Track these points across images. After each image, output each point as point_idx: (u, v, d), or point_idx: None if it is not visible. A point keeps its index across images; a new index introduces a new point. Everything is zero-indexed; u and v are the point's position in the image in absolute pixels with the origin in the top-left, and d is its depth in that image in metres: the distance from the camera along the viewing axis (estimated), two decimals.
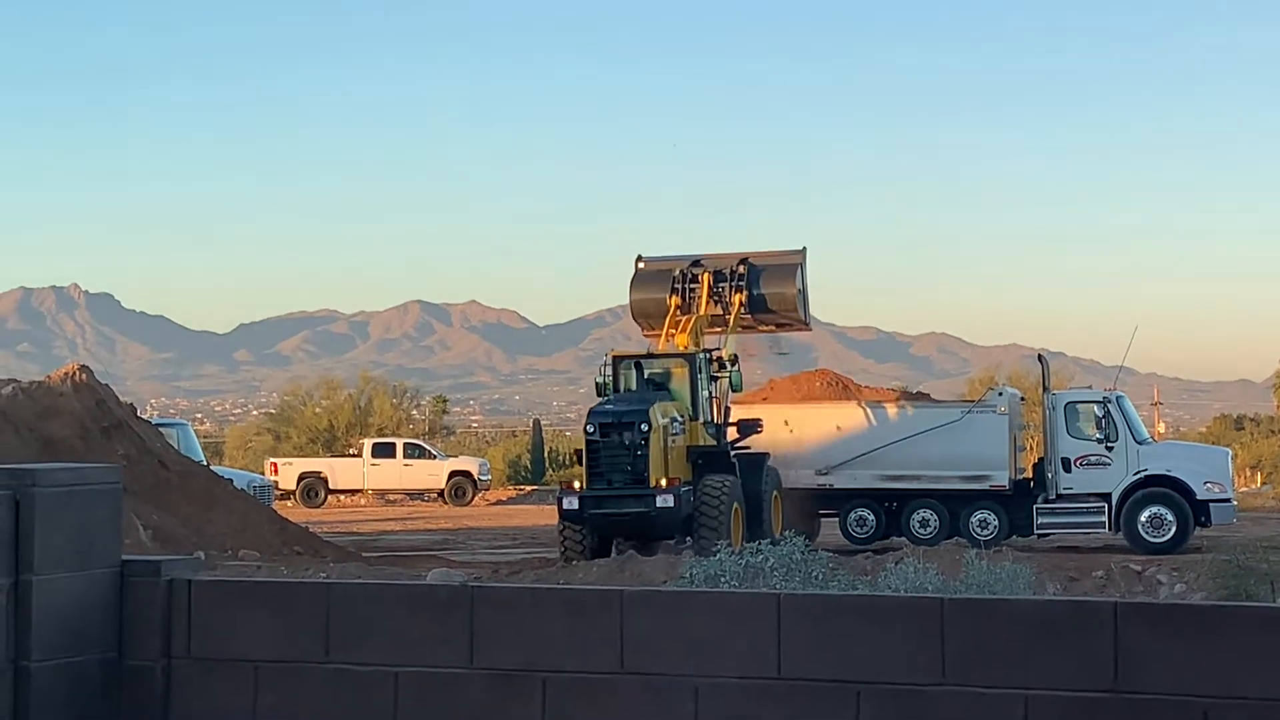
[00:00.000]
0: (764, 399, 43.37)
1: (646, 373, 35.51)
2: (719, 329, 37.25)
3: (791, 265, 38.86)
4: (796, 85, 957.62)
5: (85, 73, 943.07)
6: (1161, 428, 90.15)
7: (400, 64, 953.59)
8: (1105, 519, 37.38)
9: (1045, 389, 39.60)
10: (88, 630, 6.94)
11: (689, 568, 18.75)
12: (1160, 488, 37.33)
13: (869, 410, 40.23)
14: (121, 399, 36.73)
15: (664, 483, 32.75)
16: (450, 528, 49.81)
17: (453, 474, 66.23)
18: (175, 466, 34.94)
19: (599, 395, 35.78)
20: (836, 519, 38.74)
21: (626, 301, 39.62)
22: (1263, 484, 78.47)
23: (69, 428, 33.13)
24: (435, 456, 67.98)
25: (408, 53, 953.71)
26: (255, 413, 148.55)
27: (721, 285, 37.52)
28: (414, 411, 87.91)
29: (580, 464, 33.75)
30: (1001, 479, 37.70)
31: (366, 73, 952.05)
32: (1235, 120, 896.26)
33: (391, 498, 67.99)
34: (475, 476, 66.65)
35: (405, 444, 68.69)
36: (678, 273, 38.00)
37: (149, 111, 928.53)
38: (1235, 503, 39.39)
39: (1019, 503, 37.77)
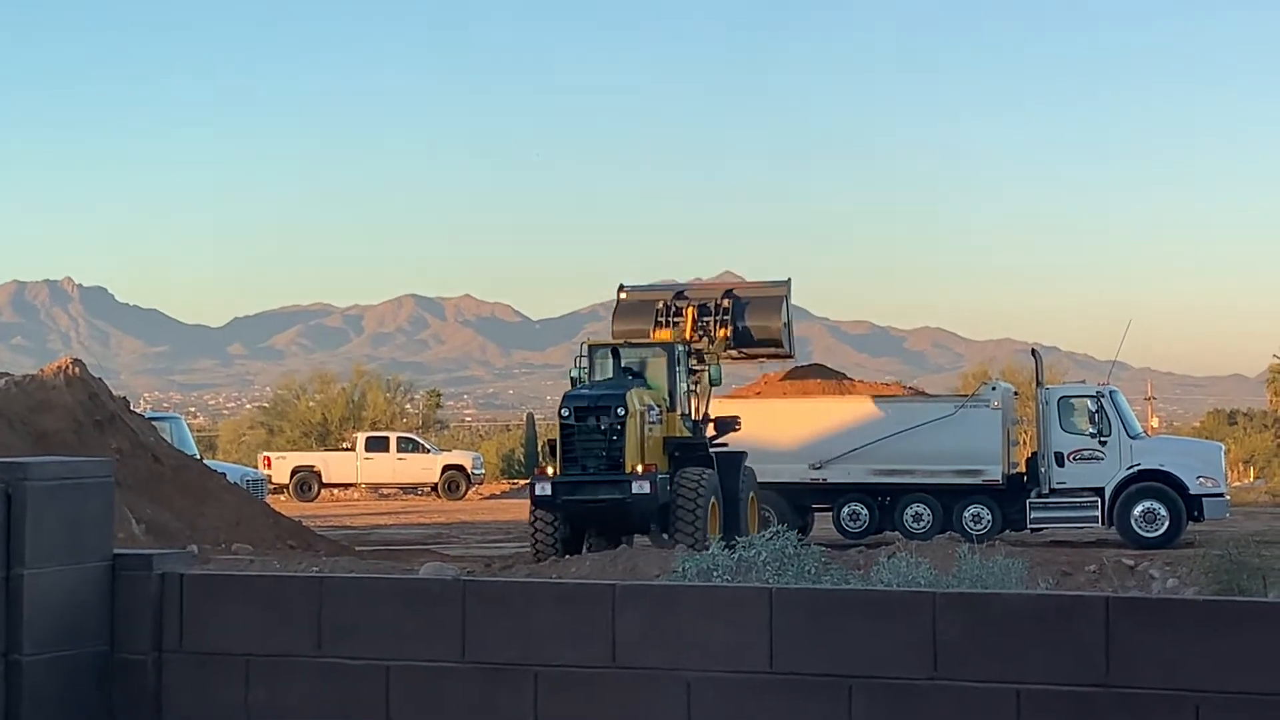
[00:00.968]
0: (757, 393, 43.38)
1: (624, 362, 34.71)
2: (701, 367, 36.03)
3: (777, 298, 38.25)
4: (793, 78, 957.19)
5: (81, 68, 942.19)
6: (1155, 422, 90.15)
7: (392, 59, 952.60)
8: (1098, 514, 37.44)
9: (1039, 383, 39.65)
10: (80, 624, 6.93)
11: (681, 562, 18.74)
12: (1153, 482, 37.37)
13: (862, 405, 40.27)
14: (115, 393, 36.69)
15: (640, 469, 31.98)
16: (444, 522, 49.84)
17: (446, 468, 66.28)
18: (168, 460, 34.91)
19: (572, 388, 34.89)
20: (830, 513, 38.78)
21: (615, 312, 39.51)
22: (1255, 479, 78.52)
23: (62, 421, 33.11)
24: (429, 450, 68.02)
25: (400, 49, 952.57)
26: (249, 406, 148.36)
27: (706, 319, 36.74)
28: (408, 405, 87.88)
29: (552, 453, 32.72)
30: (995, 473, 37.73)
31: (360, 68, 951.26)
32: (1230, 115, 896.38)
33: (385, 492, 68.00)
34: (469, 470, 66.68)
35: (399, 438, 68.71)
36: (661, 305, 37.42)
37: (144, 106, 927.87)
38: (1228, 497, 39.47)
39: (1012, 497, 37.82)
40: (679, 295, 37.40)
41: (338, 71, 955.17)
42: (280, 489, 62.65)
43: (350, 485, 67.20)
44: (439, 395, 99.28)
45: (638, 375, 34.19)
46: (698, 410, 35.30)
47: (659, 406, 33.46)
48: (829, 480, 38.36)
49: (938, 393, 50.39)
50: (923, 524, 37.57)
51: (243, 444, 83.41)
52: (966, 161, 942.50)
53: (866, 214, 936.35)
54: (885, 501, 38.36)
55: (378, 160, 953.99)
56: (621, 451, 32.05)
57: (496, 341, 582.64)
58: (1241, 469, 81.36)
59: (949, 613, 6.16)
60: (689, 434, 34.34)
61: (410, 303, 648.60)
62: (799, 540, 18.29)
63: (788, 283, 39.06)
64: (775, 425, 38.45)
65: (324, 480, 66.17)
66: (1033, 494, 37.79)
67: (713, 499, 32.48)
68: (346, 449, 69.29)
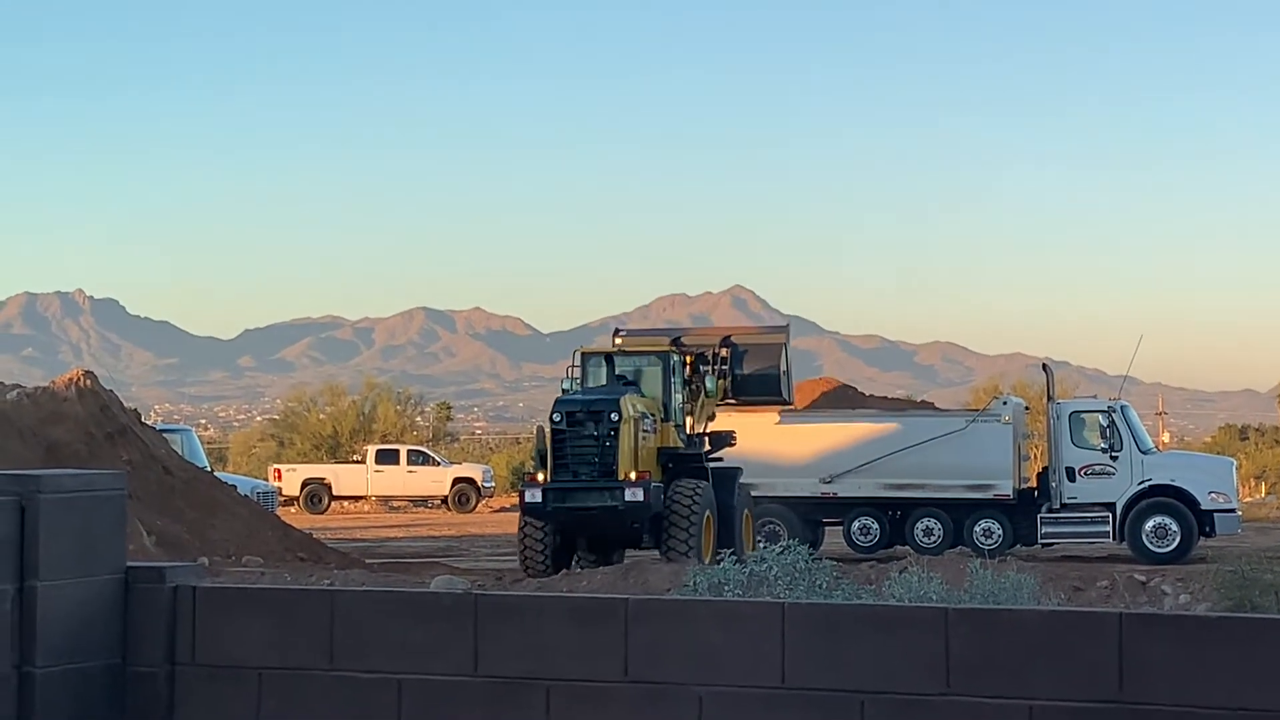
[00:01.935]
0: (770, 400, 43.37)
1: (617, 369, 33.81)
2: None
3: (775, 346, 37.34)
4: (805, 92, 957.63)
5: (90, 78, 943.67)
6: (1166, 437, 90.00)
7: (405, 71, 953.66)
8: (1109, 529, 37.39)
9: (1050, 398, 39.60)
10: (92, 636, 6.94)
11: (693, 575, 18.73)
12: (1165, 498, 37.32)
13: (873, 419, 40.25)
14: (126, 405, 36.72)
15: (633, 476, 31.05)
16: (453, 535, 49.86)
17: (456, 481, 66.32)
18: (179, 472, 34.95)
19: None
20: (840, 528, 38.73)
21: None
22: (1267, 494, 78.42)
23: (73, 433, 33.14)
24: (439, 463, 68.04)
25: (411, 61, 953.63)
26: (259, 419, 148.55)
27: (703, 369, 35.25)
28: (418, 418, 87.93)
29: (543, 460, 31.86)
30: (1005, 488, 37.68)
31: (370, 80, 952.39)
32: (1241, 130, 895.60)
33: (395, 504, 68.05)
34: (479, 483, 66.70)
35: (409, 451, 68.76)
36: None
37: (154, 117, 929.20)
38: (1240, 513, 39.42)
39: (1023, 512, 37.77)
40: (675, 341, 35.89)
41: (349, 84, 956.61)
42: (290, 501, 62.69)
43: (360, 498, 67.23)
44: (449, 408, 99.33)
45: (632, 384, 33.40)
46: (692, 423, 34.49)
47: (653, 416, 32.65)
48: (839, 494, 38.31)
49: (948, 407, 50.39)
50: (933, 539, 37.53)
51: (253, 456, 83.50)
52: (978, 175, 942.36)
53: (876, 228, 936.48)
54: (896, 516, 38.31)
55: (389, 173, 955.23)
56: (614, 457, 31.19)
57: (507, 354, 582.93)
58: (1253, 484, 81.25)
59: (961, 628, 6.16)
60: (683, 446, 33.43)
61: (421, 315, 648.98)
62: (810, 555, 18.28)
63: (786, 329, 38.54)
64: (786, 439, 38.43)
65: (334, 493, 66.19)
66: (1044, 509, 37.74)
67: (708, 513, 31.69)
68: (357, 461, 69.31)
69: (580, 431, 31.46)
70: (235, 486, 38.44)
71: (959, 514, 37.77)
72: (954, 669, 6.11)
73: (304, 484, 65.84)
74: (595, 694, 6.52)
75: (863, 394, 47.02)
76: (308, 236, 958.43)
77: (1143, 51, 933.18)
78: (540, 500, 31.14)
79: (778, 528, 37.19)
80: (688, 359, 34.89)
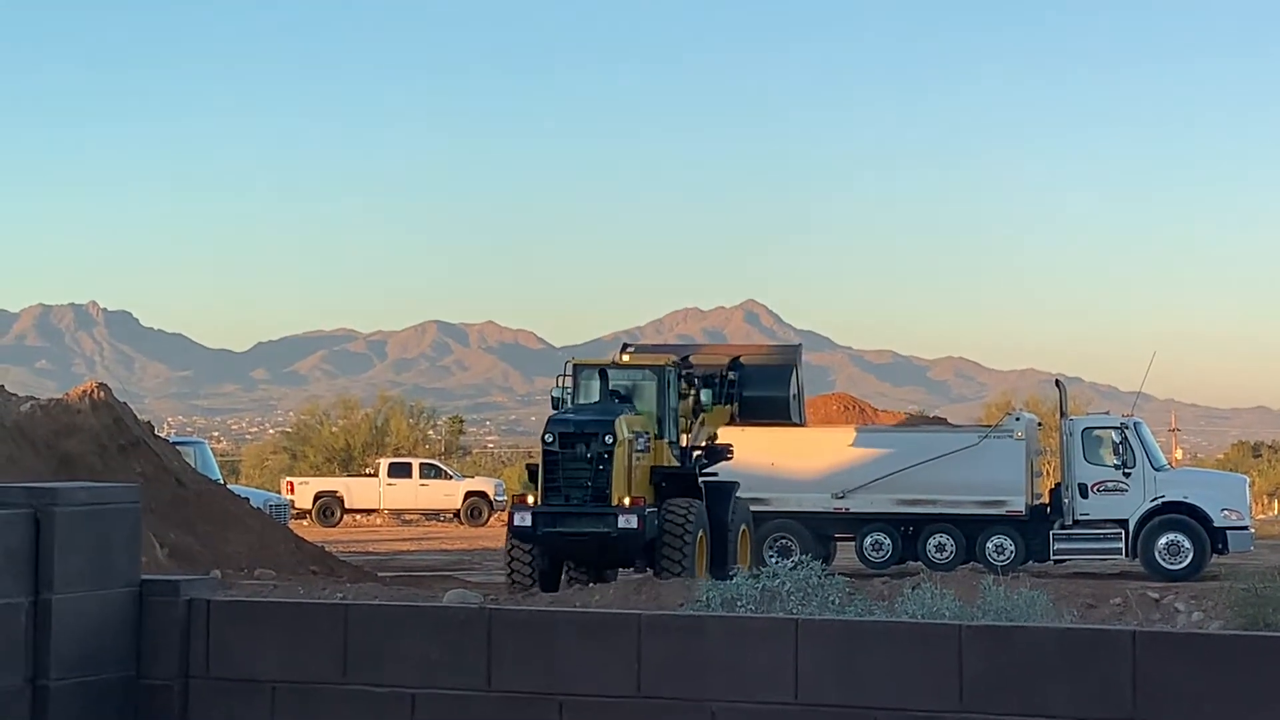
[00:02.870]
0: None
1: (612, 383, 32.36)
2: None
3: (786, 367, 36.03)
4: (818, 107, 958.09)
5: (104, 92, 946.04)
6: (1179, 454, 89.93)
7: (418, 84, 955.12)
8: (1122, 545, 37.30)
9: (1063, 414, 39.52)
10: (106, 649, 6.95)
11: (705, 591, 18.71)
12: (1177, 514, 37.24)
13: (885, 434, 40.21)
14: (139, 417, 36.76)
15: (627, 502, 30.01)
16: (466, 548, 49.79)
17: (469, 494, 66.24)
18: (192, 485, 34.96)
19: (554, 409, 33.14)
20: (852, 543, 38.69)
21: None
22: None
23: (86, 445, 33.16)
24: (451, 477, 68.00)
25: (426, 72, 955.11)
26: (272, 431, 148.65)
27: (697, 382, 33.79)
28: (430, 431, 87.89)
29: (533, 480, 30.89)
30: (1018, 504, 37.62)
31: (385, 92, 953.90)
32: (1254, 145, 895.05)
33: (407, 518, 68.02)
34: (491, 497, 66.63)
35: (421, 464, 68.71)
36: None
37: (168, 130, 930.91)
38: (1253, 530, 39.31)
39: (1035, 528, 37.69)
40: (684, 360, 34.67)
41: (360, 97, 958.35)
42: (303, 514, 62.65)
43: (373, 511, 67.19)
44: (461, 421, 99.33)
45: (625, 399, 32.25)
46: (688, 439, 33.39)
47: (647, 434, 31.58)
48: (852, 510, 38.24)
49: (960, 423, 50.35)
50: (945, 554, 37.48)
51: (266, 469, 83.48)
52: (990, 190, 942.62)
53: (889, 243, 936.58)
54: (908, 531, 38.23)
55: (401, 186, 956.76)
56: (608, 482, 30.14)
57: (519, 368, 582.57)
58: (1266, 501, 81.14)
59: (975, 645, 6.16)
60: (677, 463, 32.41)
61: (433, 329, 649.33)
62: (822, 570, 18.26)
63: (798, 349, 37.53)
64: (798, 454, 38.38)
65: (346, 506, 66.14)
66: (1056, 525, 37.66)
67: (700, 532, 30.79)
68: (369, 475, 69.26)
69: (573, 453, 30.37)
70: (248, 499, 38.41)
71: (971, 530, 37.70)
72: (968, 686, 6.11)
73: (316, 497, 65.81)
74: (608, 709, 6.52)
75: (875, 409, 47.02)
76: (321, 250, 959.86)
77: (1158, 71, 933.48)
78: (530, 524, 30.16)
79: (790, 543, 37.19)
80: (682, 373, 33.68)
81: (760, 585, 17.40)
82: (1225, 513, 37.47)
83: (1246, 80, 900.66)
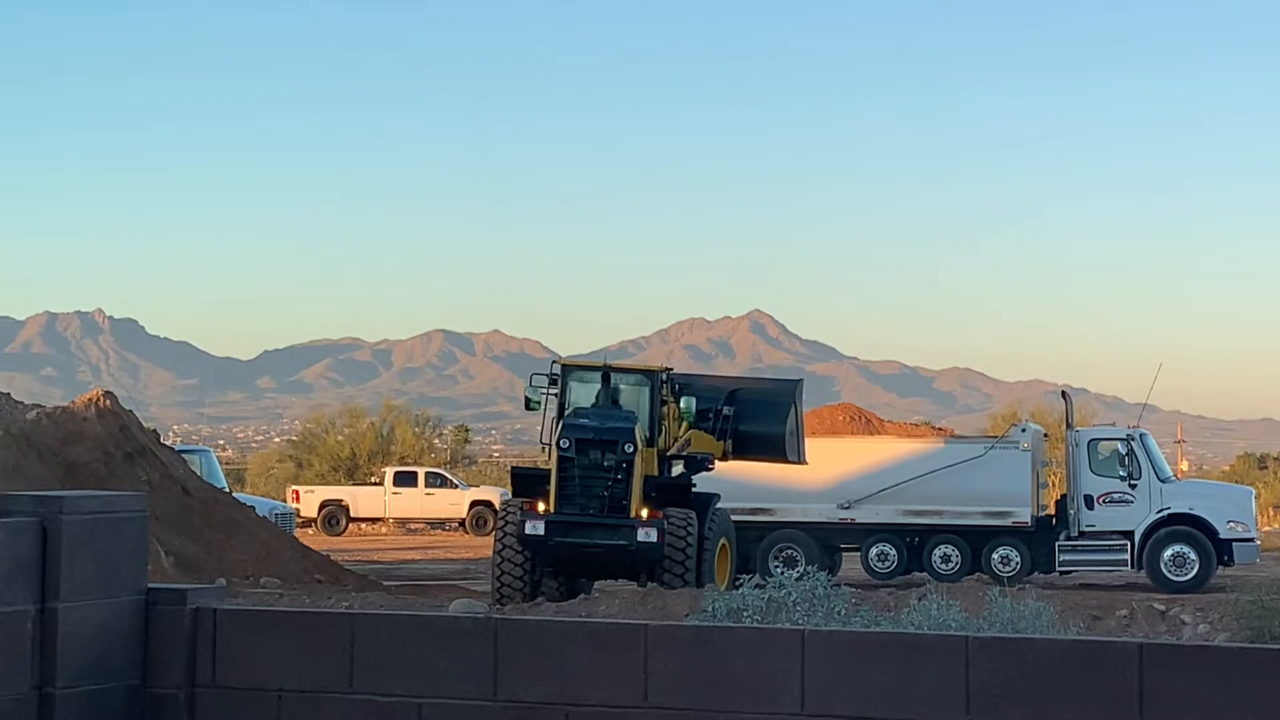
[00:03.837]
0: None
1: (596, 391, 31.24)
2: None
3: (784, 404, 34.10)
4: (824, 117, 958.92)
5: (109, 98, 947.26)
6: (1185, 466, 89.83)
7: (424, 94, 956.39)
8: (1128, 557, 37.31)
9: (1068, 426, 39.53)
10: (112, 658, 6.95)
11: (711, 601, 18.72)
12: (1183, 526, 37.25)
13: (891, 445, 40.24)
14: (145, 425, 36.78)
15: (644, 514, 29.11)
16: (471, 557, 49.82)
17: (474, 503, 66.23)
18: (198, 493, 34.98)
19: (528, 409, 32.09)
20: (858, 553, 38.70)
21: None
22: None
23: (92, 453, 33.19)
24: (457, 486, 68.01)
25: (433, 85, 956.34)
26: (277, 440, 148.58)
27: (703, 426, 32.39)
28: (436, 440, 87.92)
29: (541, 486, 29.60)
30: (1024, 515, 37.64)
31: (390, 104, 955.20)
32: (1263, 156, 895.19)
33: (413, 527, 68.04)
34: (497, 506, 66.60)
35: (427, 473, 68.72)
36: None
37: (174, 137, 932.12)
38: (1258, 542, 39.32)
39: (1041, 539, 37.71)
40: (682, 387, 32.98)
41: (366, 104, 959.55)
42: (308, 523, 62.68)
43: (378, 520, 67.25)
44: (467, 430, 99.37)
45: (615, 405, 30.99)
46: (672, 447, 32.01)
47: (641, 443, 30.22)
48: (857, 520, 38.26)
49: (967, 434, 50.36)
50: (951, 565, 37.50)
51: (271, 477, 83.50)
52: (996, 201, 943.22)
53: (895, 254, 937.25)
54: (914, 542, 38.26)
55: (409, 195, 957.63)
56: (625, 492, 29.18)
57: (525, 377, 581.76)
58: (1272, 513, 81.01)
59: (982, 657, 6.16)
60: (654, 471, 30.88)
61: (439, 338, 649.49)
62: (828, 581, 18.27)
63: (799, 384, 35.91)
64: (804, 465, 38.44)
65: (352, 514, 66.19)
66: (1062, 536, 37.67)
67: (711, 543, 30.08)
68: (375, 484, 69.33)
69: (590, 460, 29.32)
70: (253, 507, 38.45)
71: (977, 541, 37.73)
72: (974, 697, 6.11)
73: (322, 505, 65.85)
74: (615, 719, 6.52)
75: (881, 420, 47.01)
76: (327, 258, 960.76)
77: (1166, 78, 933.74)
78: (543, 533, 28.90)
79: (795, 553, 37.22)
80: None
81: (766, 596, 17.41)
82: (1231, 524, 37.47)
83: (1256, 88, 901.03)
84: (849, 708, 6.29)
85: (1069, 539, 37.63)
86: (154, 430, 37.97)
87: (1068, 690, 6.01)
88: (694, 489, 31.18)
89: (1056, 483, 43.26)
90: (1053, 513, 38.80)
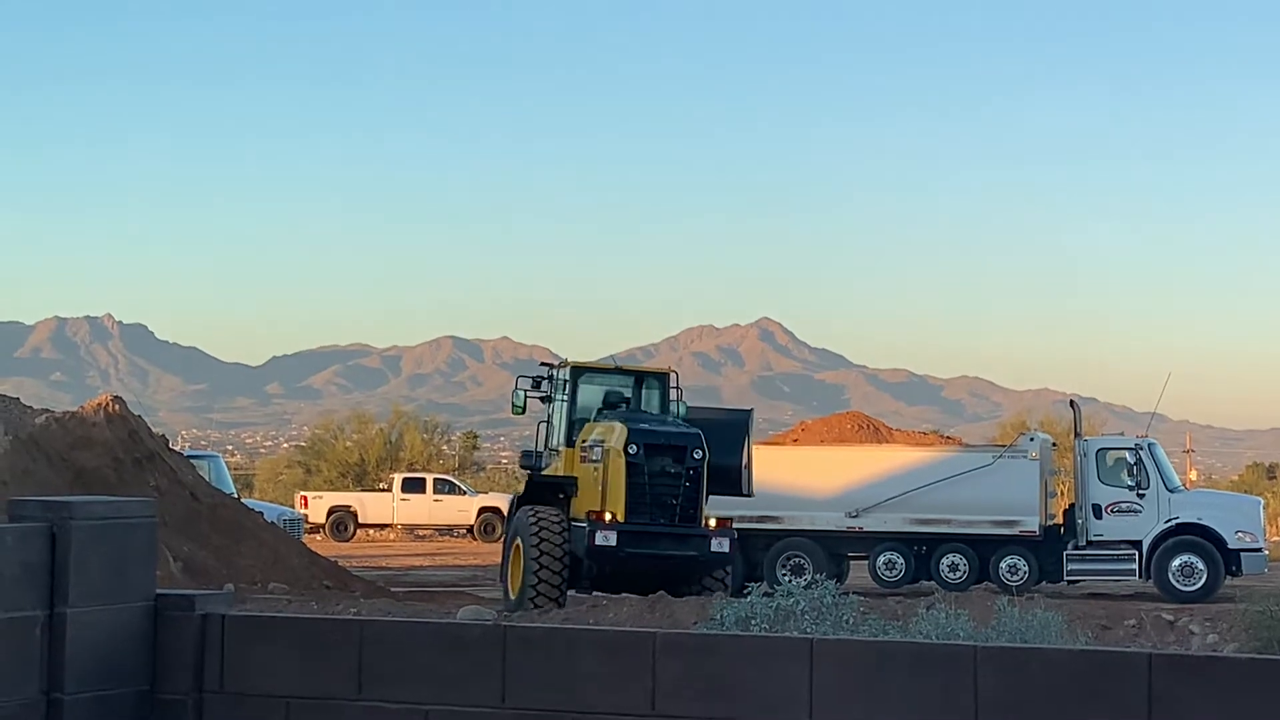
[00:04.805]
0: (794, 440, 43.39)
1: (606, 394, 30.17)
2: None
3: (739, 436, 31.58)
4: (834, 126, 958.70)
5: (116, 104, 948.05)
6: (1194, 475, 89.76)
7: (436, 100, 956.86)
8: (1135, 566, 37.25)
9: (1077, 435, 39.48)
10: (121, 663, 6.95)
11: (719, 609, 18.70)
12: (1191, 536, 37.20)
13: (899, 454, 40.22)
14: (154, 430, 36.79)
15: (713, 523, 28.14)
16: (479, 564, 49.78)
17: (482, 510, 66.23)
18: (206, 498, 34.98)
19: (515, 412, 31.14)
20: (866, 562, 38.67)
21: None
22: None
23: (101, 458, 33.20)
24: (465, 492, 68.01)
25: (445, 90, 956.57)
26: (286, 445, 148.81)
27: (684, 406, 31.11)
28: (444, 447, 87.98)
29: (602, 492, 27.91)
30: (1032, 524, 37.60)
31: (402, 110, 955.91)
32: (1270, 166, 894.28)
33: (421, 533, 68.04)
34: (505, 513, 66.57)
35: (435, 479, 68.75)
36: None
37: (183, 143, 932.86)
38: (1266, 552, 39.25)
39: (1049, 548, 37.67)
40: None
41: (376, 110, 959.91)
42: (316, 529, 62.70)
43: (386, 526, 67.25)
44: (476, 437, 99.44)
45: (615, 406, 29.98)
46: None
47: None
48: (865, 529, 38.23)
49: (975, 442, 50.31)
50: (959, 574, 37.47)
51: (280, 483, 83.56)
52: (1004, 210, 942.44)
53: (905, 262, 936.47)
54: (921, 551, 38.23)
55: (417, 201, 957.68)
56: (694, 502, 28.14)
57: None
58: None
59: (990, 667, 6.15)
60: None
61: (448, 344, 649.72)
62: (836, 589, 18.25)
63: (750, 414, 33.63)
64: (812, 473, 38.42)
65: (360, 520, 66.21)
66: (1070, 545, 37.62)
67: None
68: (383, 489, 69.33)
69: (658, 468, 28.06)
70: (262, 513, 38.47)
71: (985, 550, 37.70)
72: (983, 708, 6.10)
73: (330, 511, 65.88)
74: None
75: (889, 429, 46.93)
76: (337, 264, 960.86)
77: (1173, 92, 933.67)
78: (615, 544, 27.41)
79: (803, 561, 37.22)
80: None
81: (775, 604, 17.38)
82: (1239, 534, 37.43)
83: (1262, 96, 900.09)
84: (857, 717, 6.28)
85: (1077, 548, 37.58)
86: (163, 436, 37.98)
87: (1076, 700, 6.01)
88: None
89: (1065, 492, 43.21)
90: (1061, 522, 38.76)
